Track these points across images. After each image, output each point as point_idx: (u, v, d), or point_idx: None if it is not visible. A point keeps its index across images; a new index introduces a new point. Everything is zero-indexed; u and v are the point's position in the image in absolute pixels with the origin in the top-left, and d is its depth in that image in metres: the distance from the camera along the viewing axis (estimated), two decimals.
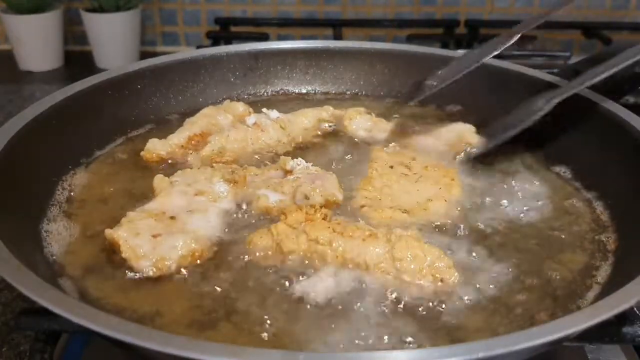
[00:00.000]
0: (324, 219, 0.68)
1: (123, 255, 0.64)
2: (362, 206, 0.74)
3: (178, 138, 0.88)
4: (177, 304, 0.60)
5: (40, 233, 0.70)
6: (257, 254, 0.66)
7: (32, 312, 0.60)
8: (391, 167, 0.82)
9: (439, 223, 0.72)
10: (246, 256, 0.66)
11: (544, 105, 0.80)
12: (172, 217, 0.69)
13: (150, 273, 0.63)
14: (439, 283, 0.62)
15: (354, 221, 0.70)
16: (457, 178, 0.81)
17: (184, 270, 0.64)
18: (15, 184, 0.70)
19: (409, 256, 0.62)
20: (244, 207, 0.74)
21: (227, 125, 0.92)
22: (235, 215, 0.73)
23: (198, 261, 0.65)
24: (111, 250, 0.66)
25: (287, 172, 0.78)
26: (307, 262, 0.64)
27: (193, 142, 0.88)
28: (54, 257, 0.67)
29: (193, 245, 0.65)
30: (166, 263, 0.63)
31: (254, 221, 0.72)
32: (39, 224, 0.71)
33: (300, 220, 0.67)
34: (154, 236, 0.65)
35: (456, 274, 0.63)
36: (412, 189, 0.78)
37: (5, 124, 0.75)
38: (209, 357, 0.44)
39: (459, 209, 0.75)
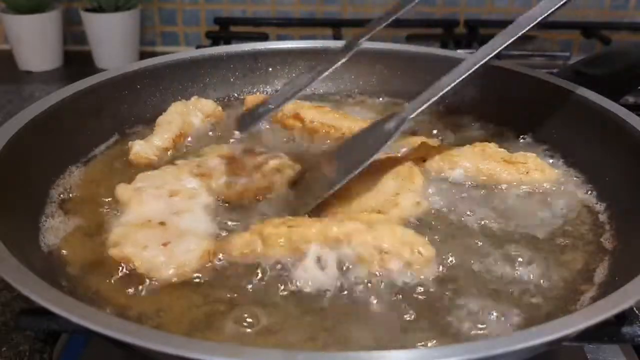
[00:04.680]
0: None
1: (139, 270, 0.62)
2: (335, 213, 0.71)
3: (162, 140, 0.87)
4: (176, 303, 0.60)
5: (39, 233, 0.70)
6: (239, 250, 0.65)
7: (32, 312, 0.60)
8: None
9: (414, 218, 0.72)
10: (231, 253, 0.65)
11: (394, 130, 0.71)
12: (161, 223, 0.67)
13: (174, 279, 0.62)
14: (418, 255, 0.62)
15: None
16: (415, 166, 0.80)
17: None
18: (15, 183, 0.70)
19: (388, 233, 0.63)
20: (222, 198, 0.75)
21: (197, 123, 0.93)
22: (217, 209, 0.73)
23: (210, 261, 0.64)
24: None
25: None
26: (288, 245, 0.64)
27: (175, 143, 0.89)
28: (54, 257, 0.67)
29: (205, 244, 0.65)
30: (187, 268, 0.62)
31: (238, 213, 0.72)
32: (38, 224, 0.71)
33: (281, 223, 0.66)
34: (164, 244, 0.64)
35: (433, 248, 0.64)
36: (377, 185, 0.76)
37: (5, 124, 0.74)
38: (209, 357, 0.44)
39: (429, 200, 0.75)
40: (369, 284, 0.62)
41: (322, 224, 0.64)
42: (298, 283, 0.62)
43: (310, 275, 0.62)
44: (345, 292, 0.61)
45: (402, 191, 0.75)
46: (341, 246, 0.63)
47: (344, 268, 0.62)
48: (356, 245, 0.63)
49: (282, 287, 0.62)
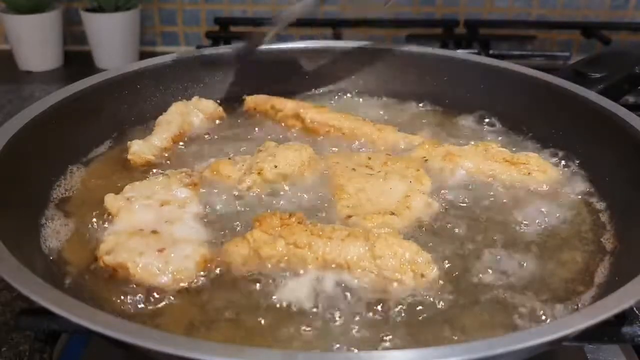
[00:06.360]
0: (299, 223, 0.67)
1: (136, 277, 0.61)
2: (349, 216, 0.71)
3: (161, 140, 0.87)
4: (176, 304, 0.60)
5: (39, 233, 0.70)
6: (235, 261, 0.64)
7: (32, 312, 0.60)
8: (353, 169, 0.80)
9: (425, 220, 0.72)
10: (226, 263, 0.65)
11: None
12: (154, 232, 0.66)
13: (174, 286, 0.61)
14: (420, 278, 0.62)
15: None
16: (421, 167, 0.80)
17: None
18: (15, 183, 0.70)
19: (389, 253, 0.62)
20: (212, 208, 0.74)
21: (198, 123, 0.94)
22: (208, 217, 0.72)
23: (207, 269, 0.64)
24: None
25: None
26: (287, 266, 0.63)
27: (174, 142, 0.89)
28: (54, 257, 0.67)
29: (202, 250, 0.64)
30: (184, 274, 0.62)
31: (229, 222, 0.71)
32: (38, 224, 0.71)
33: (276, 226, 0.65)
34: (160, 251, 0.63)
35: (435, 269, 0.63)
36: (385, 187, 0.76)
37: (5, 124, 0.74)
38: (209, 357, 0.44)
39: (439, 202, 0.75)
40: (369, 302, 0.61)
41: (322, 242, 0.63)
42: (295, 296, 0.61)
43: (306, 291, 0.61)
44: (344, 307, 0.60)
45: (412, 193, 0.75)
46: (341, 271, 0.63)
47: (343, 288, 0.62)
48: (356, 272, 0.62)
49: (280, 299, 0.61)
